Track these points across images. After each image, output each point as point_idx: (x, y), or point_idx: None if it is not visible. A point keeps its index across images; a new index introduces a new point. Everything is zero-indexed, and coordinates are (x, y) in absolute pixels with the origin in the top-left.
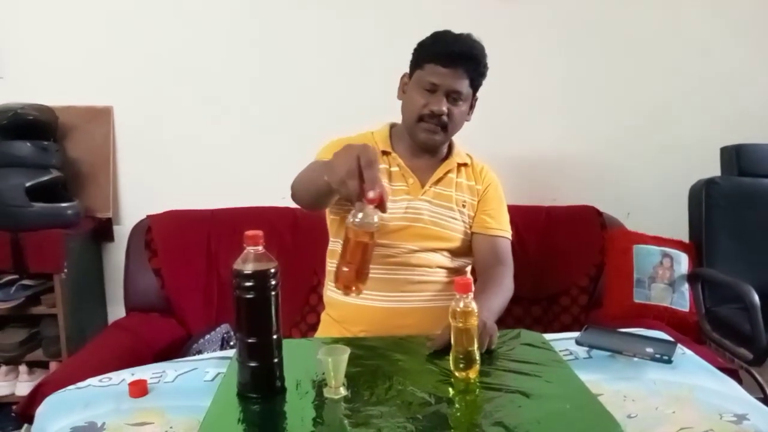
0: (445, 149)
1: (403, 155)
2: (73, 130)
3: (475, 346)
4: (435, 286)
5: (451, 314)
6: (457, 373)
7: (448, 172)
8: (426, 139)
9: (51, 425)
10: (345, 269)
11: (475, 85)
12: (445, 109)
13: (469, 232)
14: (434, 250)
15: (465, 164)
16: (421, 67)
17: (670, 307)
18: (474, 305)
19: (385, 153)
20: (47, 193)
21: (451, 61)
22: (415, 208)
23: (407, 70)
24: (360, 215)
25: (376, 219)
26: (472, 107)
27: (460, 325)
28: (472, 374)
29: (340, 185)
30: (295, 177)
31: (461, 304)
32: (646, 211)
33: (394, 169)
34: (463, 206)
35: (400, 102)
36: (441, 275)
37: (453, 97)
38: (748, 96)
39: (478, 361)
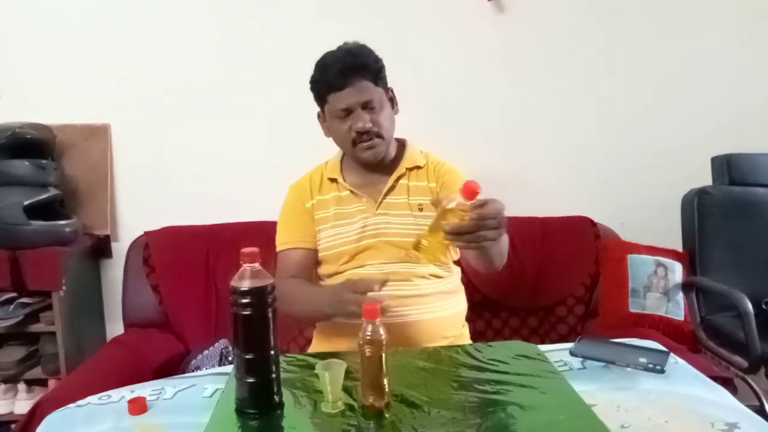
0: (392, 155)
1: (355, 178)
2: (70, 148)
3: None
4: (421, 299)
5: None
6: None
7: (399, 178)
8: (370, 155)
9: None
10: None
11: (382, 82)
12: (369, 122)
13: None
14: (409, 261)
15: (417, 167)
16: (326, 101)
17: (665, 317)
18: (382, 332)
19: (332, 180)
20: (45, 211)
21: (344, 81)
22: (373, 225)
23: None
24: (369, 330)
25: (382, 331)
26: (392, 100)
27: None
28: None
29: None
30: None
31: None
32: (639, 220)
33: (345, 193)
34: (420, 210)
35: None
36: (426, 286)
37: (369, 107)
38: (737, 105)
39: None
